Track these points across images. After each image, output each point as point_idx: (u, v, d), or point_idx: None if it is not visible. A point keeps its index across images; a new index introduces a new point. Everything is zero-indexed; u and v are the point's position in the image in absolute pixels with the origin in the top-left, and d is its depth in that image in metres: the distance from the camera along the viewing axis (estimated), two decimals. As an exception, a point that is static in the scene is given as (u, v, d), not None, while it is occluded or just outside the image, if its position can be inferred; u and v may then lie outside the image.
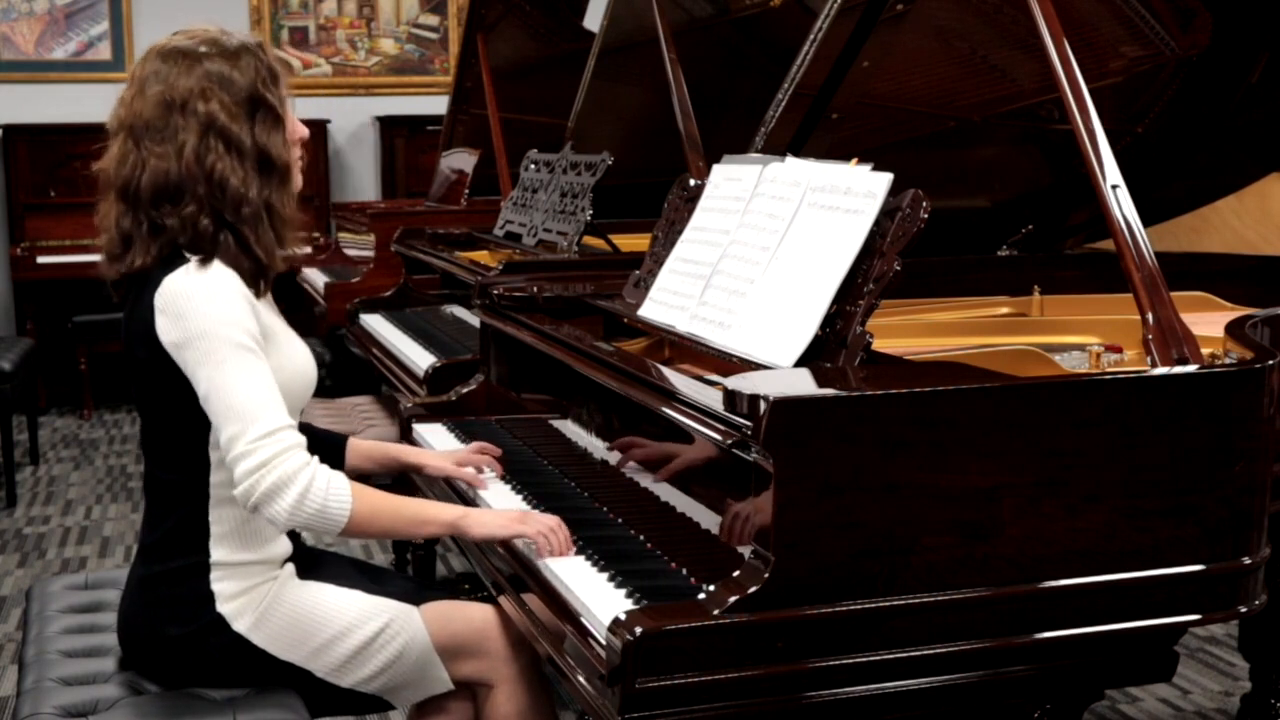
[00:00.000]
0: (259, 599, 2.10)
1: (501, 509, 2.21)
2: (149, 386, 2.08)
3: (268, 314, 2.11)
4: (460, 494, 2.45)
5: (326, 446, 2.42)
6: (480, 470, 2.46)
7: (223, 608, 2.08)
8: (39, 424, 6.31)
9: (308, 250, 2.14)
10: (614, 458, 2.30)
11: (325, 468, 2.00)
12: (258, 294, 2.09)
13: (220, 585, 2.08)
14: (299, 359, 2.15)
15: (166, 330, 2.00)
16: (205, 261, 2.03)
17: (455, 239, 4.21)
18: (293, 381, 2.09)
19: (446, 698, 2.21)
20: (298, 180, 2.18)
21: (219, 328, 1.98)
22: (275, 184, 2.10)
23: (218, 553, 2.08)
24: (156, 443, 2.12)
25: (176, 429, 2.07)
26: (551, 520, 2.07)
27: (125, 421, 6.82)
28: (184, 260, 2.04)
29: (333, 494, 1.98)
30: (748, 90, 3.55)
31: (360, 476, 2.24)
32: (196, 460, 2.07)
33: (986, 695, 1.81)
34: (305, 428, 2.20)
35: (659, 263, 2.46)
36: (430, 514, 2.13)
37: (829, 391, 1.72)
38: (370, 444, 2.53)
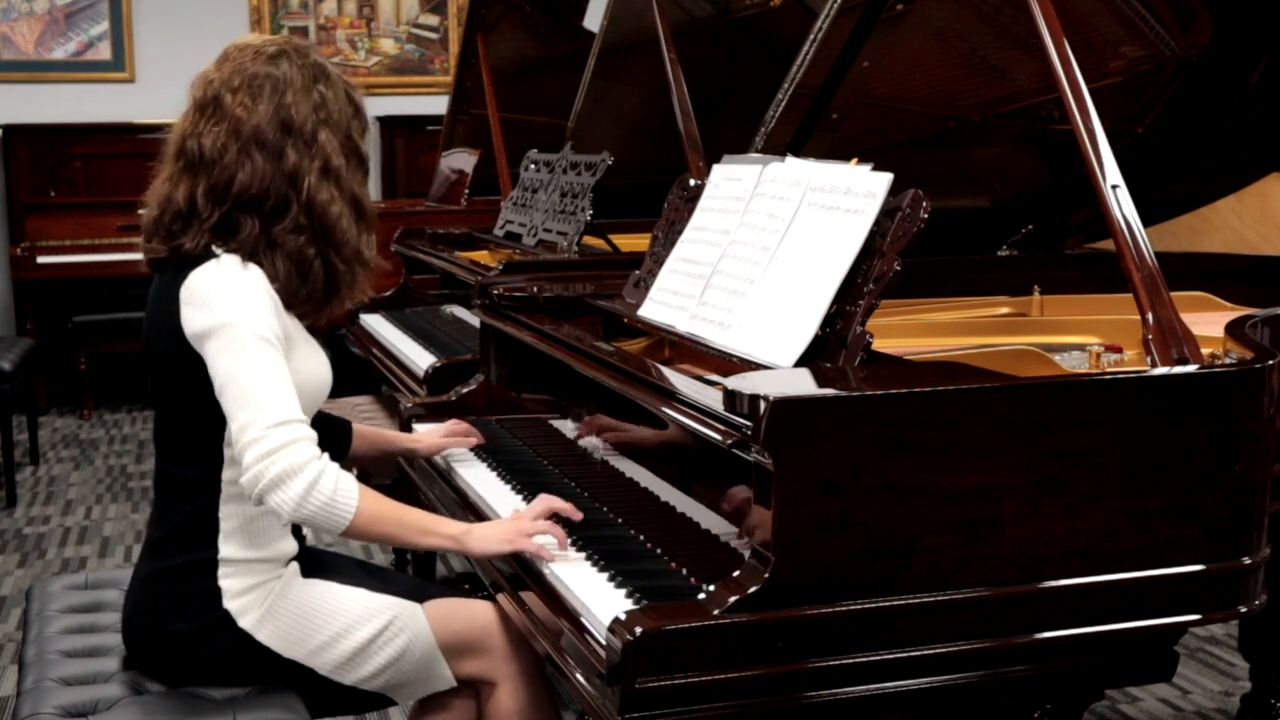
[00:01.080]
0: (264, 596, 2.10)
1: (501, 522, 2.20)
2: (168, 380, 2.09)
3: (288, 318, 2.12)
4: (460, 495, 2.45)
5: (333, 427, 2.44)
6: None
7: (228, 604, 2.08)
8: (39, 424, 6.30)
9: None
10: (614, 458, 2.30)
11: (336, 465, 2.00)
12: (306, 320, 2.15)
13: (227, 582, 2.08)
14: (315, 365, 2.16)
15: (191, 320, 2.01)
16: (246, 260, 2.06)
17: (455, 239, 4.21)
18: (307, 385, 2.10)
19: (449, 695, 2.22)
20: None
21: (244, 319, 1.99)
22: (366, 233, 2.17)
23: (226, 549, 2.09)
24: (171, 437, 2.13)
25: (193, 424, 2.08)
26: (544, 522, 2.05)
27: (125, 421, 6.82)
28: (212, 255, 2.05)
29: (341, 490, 1.98)
30: (748, 90, 3.55)
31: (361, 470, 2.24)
32: (210, 456, 2.07)
33: (986, 695, 1.81)
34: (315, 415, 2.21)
35: (659, 263, 2.46)
36: (434, 526, 2.11)
37: (829, 391, 1.72)
38: (365, 429, 2.57)
